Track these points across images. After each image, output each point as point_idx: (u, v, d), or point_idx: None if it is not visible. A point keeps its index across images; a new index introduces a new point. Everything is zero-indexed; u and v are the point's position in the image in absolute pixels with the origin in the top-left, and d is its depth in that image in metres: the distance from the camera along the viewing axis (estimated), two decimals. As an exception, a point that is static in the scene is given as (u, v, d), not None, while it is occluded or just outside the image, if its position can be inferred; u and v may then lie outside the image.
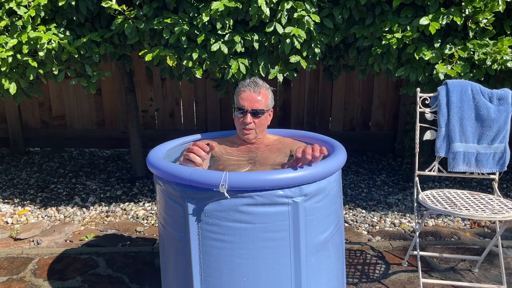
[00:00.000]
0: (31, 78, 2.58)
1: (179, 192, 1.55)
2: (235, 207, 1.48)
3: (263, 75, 2.64)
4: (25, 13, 2.46)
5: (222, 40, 2.50)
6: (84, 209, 3.18)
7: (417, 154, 2.30)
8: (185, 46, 2.52)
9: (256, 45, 2.52)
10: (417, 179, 2.27)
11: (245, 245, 1.51)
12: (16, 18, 2.51)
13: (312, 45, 2.58)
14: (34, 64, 2.52)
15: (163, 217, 1.71)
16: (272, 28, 2.48)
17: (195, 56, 2.50)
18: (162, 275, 1.85)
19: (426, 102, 2.28)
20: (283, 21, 2.47)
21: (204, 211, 1.51)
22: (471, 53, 2.46)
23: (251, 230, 1.50)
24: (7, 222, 3.00)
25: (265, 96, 1.88)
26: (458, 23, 2.38)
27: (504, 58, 2.37)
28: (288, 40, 2.48)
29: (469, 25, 2.46)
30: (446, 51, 2.46)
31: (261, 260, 1.53)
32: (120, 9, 2.48)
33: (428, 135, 2.28)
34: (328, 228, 1.64)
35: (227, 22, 2.46)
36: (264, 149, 1.93)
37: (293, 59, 2.56)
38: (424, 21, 2.39)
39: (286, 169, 1.52)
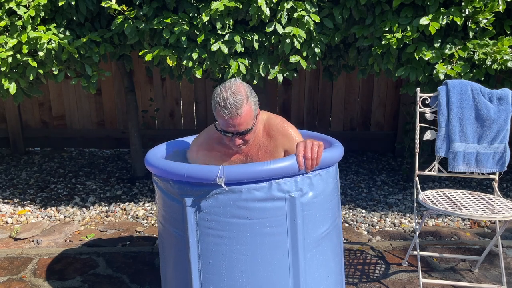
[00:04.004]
0: (31, 78, 2.58)
1: (177, 189, 1.56)
2: (232, 202, 1.49)
3: (263, 75, 2.64)
4: (25, 13, 2.46)
5: (222, 40, 2.50)
6: (84, 209, 3.18)
7: (417, 154, 2.30)
8: (185, 46, 2.52)
9: (256, 45, 2.52)
10: (417, 179, 2.27)
11: (243, 240, 1.52)
12: (16, 18, 2.51)
13: (312, 45, 2.58)
14: (34, 64, 2.52)
15: (162, 215, 1.72)
16: (272, 28, 2.48)
17: (195, 56, 2.50)
18: (162, 272, 1.85)
19: (426, 102, 2.28)
20: (283, 21, 2.47)
21: (202, 207, 1.52)
22: (471, 53, 2.45)
23: (249, 226, 1.51)
24: (7, 222, 3.00)
25: (248, 112, 1.64)
26: (458, 23, 2.38)
27: (504, 58, 2.37)
28: (288, 40, 2.48)
29: (469, 25, 2.46)
30: (446, 51, 2.46)
31: (259, 255, 1.53)
32: (120, 9, 2.48)
33: (428, 135, 2.28)
34: (325, 223, 1.65)
35: (227, 22, 2.46)
36: (255, 153, 1.82)
37: (293, 59, 2.56)
38: (424, 21, 2.39)
39: (281, 158, 1.53)
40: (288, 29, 2.46)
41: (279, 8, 2.45)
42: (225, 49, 2.48)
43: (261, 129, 1.83)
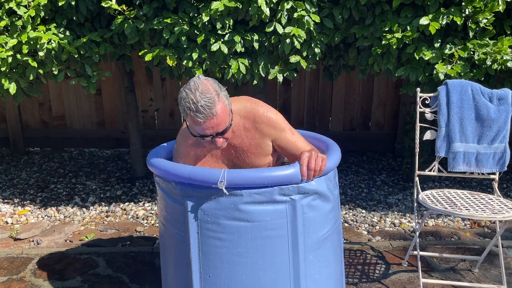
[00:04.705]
0: (31, 78, 2.58)
1: (179, 190, 1.56)
2: (233, 205, 1.49)
3: (263, 75, 2.64)
4: (25, 13, 2.46)
5: (222, 40, 2.50)
6: (84, 209, 3.18)
7: (417, 154, 2.30)
8: (185, 46, 2.52)
9: (256, 45, 2.52)
10: (417, 179, 2.27)
11: (243, 243, 1.52)
12: (16, 18, 2.51)
13: (312, 45, 2.58)
14: (34, 64, 2.52)
15: (164, 215, 1.71)
16: (272, 28, 2.48)
17: (195, 56, 2.50)
18: (163, 273, 1.85)
19: (426, 102, 2.28)
20: (283, 21, 2.47)
21: (203, 209, 1.52)
22: (471, 53, 2.45)
23: (249, 228, 1.51)
24: (7, 222, 3.00)
25: (223, 109, 1.53)
26: (458, 23, 2.38)
27: (504, 58, 2.37)
28: (288, 40, 2.48)
29: (469, 25, 2.46)
30: (446, 51, 2.46)
31: (260, 258, 1.53)
32: (120, 9, 2.48)
33: (428, 135, 2.28)
34: (326, 226, 1.65)
35: (227, 22, 2.46)
36: (239, 145, 1.72)
37: (293, 59, 2.56)
38: (424, 21, 2.39)
39: (284, 166, 1.52)
40: (288, 29, 2.46)
41: (279, 8, 2.45)
42: (225, 49, 2.48)
43: (239, 120, 1.70)
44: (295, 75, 2.69)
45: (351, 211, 3.16)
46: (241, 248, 1.52)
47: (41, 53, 2.48)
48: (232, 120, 1.60)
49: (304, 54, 2.57)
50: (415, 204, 2.30)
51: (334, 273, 1.74)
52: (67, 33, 2.59)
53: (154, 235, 2.81)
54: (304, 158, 1.51)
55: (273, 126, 1.71)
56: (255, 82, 2.67)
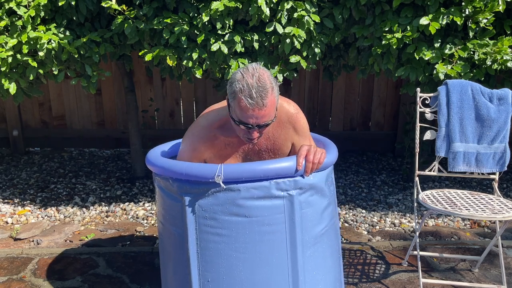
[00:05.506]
0: (31, 78, 2.58)
1: (176, 187, 1.56)
2: (231, 200, 1.50)
3: (263, 75, 2.63)
4: (25, 13, 2.46)
5: (222, 40, 2.50)
6: (84, 209, 3.18)
7: (417, 154, 2.30)
8: (185, 46, 2.52)
9: (256, 45, 2.52)
10: (417, 179, 2.27)
11: (241, 239, 1.53)
12: (16, 18, 2.51)
13: (312, 45, 2.58)
14: (34, 64, 2.52)
15: (162, 214, 1.72)
16: (272, 28, 2.48)
17: (195, 56, 2.50)
18: (162, 272, 1.85)
19: (426, 102, 2.28)
20: (283, 21, 2.47)
21: (201, 205, 1.52)
22: (471, 53, 2.46)
23: (247, 224, 1.52)
24: (7, 222, 3.00)
25: (273, 103, 1.50)
26: (458, 23, 2.38)
27: (504, 58, 2.37)
28: (288, 40, 2.48)
29: (469, 25, 2.46)
30: (446, 51, 2.46)
31: (258, 253, 1.54)
32: (120, 9, 2.48)
33: (428, 135, 2.28)
34: (323, 221, 1.66)
35: (227, 22, 2.46)
36: (263, 143, 1.71)
37: (293, 59, 2.56)
38: (424, 21, 2.39)
39: (280, 159, 1.53)
40: (288, 29, 2.46)
41: (279, 8, 2.45)
42: (225, 49, 2.48)
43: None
44: (295, 75, 2.69)
45: (351, 211, 3.16)
46: (239, 243, 1.53)
47: (41, 53, 2.48)
48: (275, 117, 1.57)
49: (304, 54, 2.57)
50: (415, 204, 2.30)
51: (332, 268, 1.75)
52: (67, 33, 2.59)
53: (154, 235, 2.81)
54: (303, 150, 1.52)
55: (297, 131, 1.72)
56: (255, 82, 2.66)
